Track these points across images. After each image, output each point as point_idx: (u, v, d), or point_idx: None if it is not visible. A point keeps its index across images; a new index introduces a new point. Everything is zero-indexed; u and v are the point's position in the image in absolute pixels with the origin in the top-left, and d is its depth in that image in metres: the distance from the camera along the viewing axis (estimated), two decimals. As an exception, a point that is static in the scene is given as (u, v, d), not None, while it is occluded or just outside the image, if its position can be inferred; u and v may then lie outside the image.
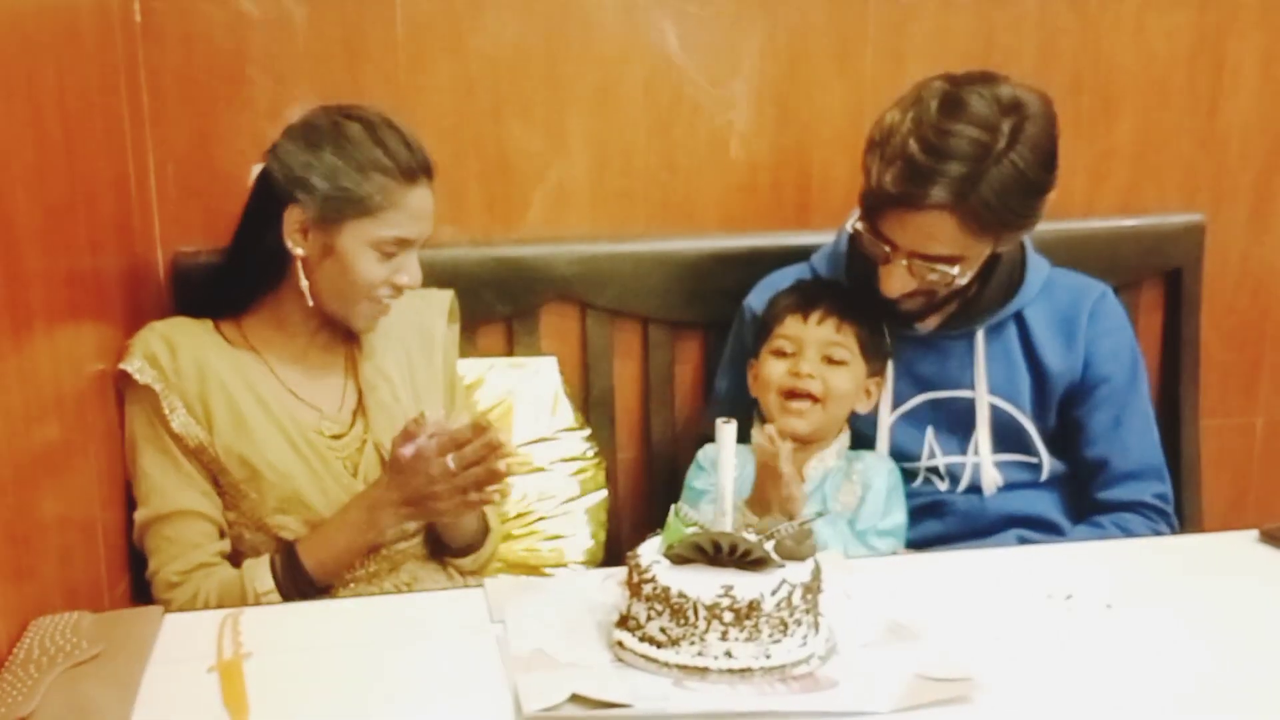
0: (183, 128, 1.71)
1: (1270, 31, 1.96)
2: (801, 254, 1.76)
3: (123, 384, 1.45)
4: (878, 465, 1.63)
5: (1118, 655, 1.12)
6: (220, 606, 1.37)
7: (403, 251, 1.46)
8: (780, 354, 1.60)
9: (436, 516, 1.45)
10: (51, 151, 1.31)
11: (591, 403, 1.87)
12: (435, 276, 1.68)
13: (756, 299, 1.72)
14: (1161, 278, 1.99)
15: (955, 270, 1.49)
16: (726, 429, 1.11)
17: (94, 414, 1.41)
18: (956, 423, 1.63)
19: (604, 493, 1.82)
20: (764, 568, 1.08)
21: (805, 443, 1.59)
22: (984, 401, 1.62)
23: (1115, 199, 1.98)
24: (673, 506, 1.14)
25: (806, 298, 1.61)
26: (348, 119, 1.43)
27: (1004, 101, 1.44)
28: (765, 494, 1.47)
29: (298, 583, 1.40)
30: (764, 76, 1.84)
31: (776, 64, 1.84)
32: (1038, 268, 1.65)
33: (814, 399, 1.57)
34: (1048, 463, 1.65)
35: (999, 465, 1.64)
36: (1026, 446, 1.65)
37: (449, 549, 1.56)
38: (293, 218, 1.43)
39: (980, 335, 1.62)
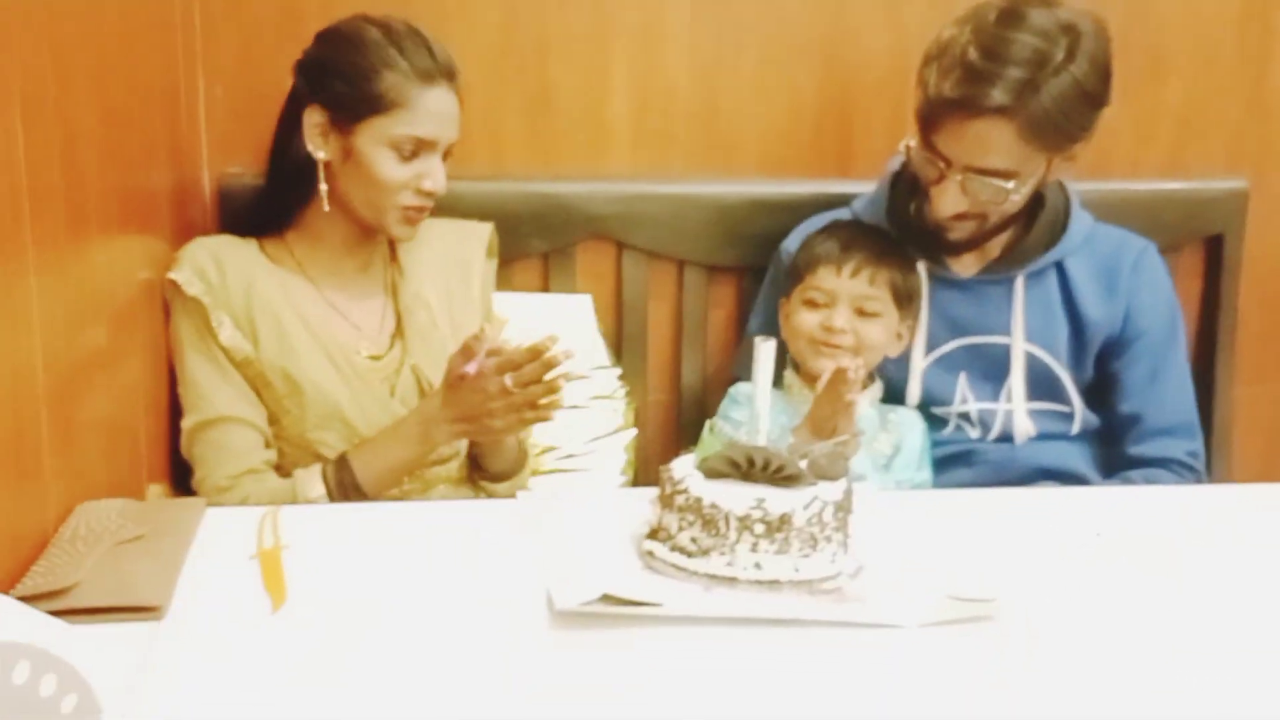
0: (232, 50, 1.73)
1: (1323, -3, 1.94)
2: (840, 201, 1.76)
3: (170, 294, 1.48)
4: (912, 421, 1.63)
5: (1146, 590, 1.12)
6: (270, 512, 1.39)
7: (424, 154, 1.46)
8: (812, 304, 1.60)
9: (490, 434, 1.45)
10: (109, 56, 1.33)
11: (624, 343, 1.88)
12: (473, 210, 1.70)
13: (794, 243, 1.72)
14: (1202, 242, 1.97)
15: (1010, 185, 1.48)
16: (765, 346, 1.12)
17: (140, 322, 1.44)
18: (990, 369, 1.63)
19: (634, 431, 1.83)
20: (796, 483, 1.09)
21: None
22: (1020, 348, 1.63)
23: (1159, 161, 1.96)
24: (707, 422, 1.15)
25: (841, 246, 1.60)
26: (369, 24, 1.46)
27: (1061, 18, 1.46)
28: (824, 419, 1.46)
29: (348, 492, 1.42)
30: (810, 21, 1.84)
31: (823, 9, 1.84)
32: (1081, 219, 1.65)
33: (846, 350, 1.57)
34: (1081, 414, 1.66)
35: (1031, 414, 1.64)
36: (1060, 396, 1.65)
37: (487, 473, 1.58)
38: (312, 119, 1.46)
39: (1020, 282, 1.62)
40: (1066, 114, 1.46)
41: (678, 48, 1.82)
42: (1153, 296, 1.65)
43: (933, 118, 1.50)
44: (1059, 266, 1.63)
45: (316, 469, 1.44)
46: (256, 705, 0.89)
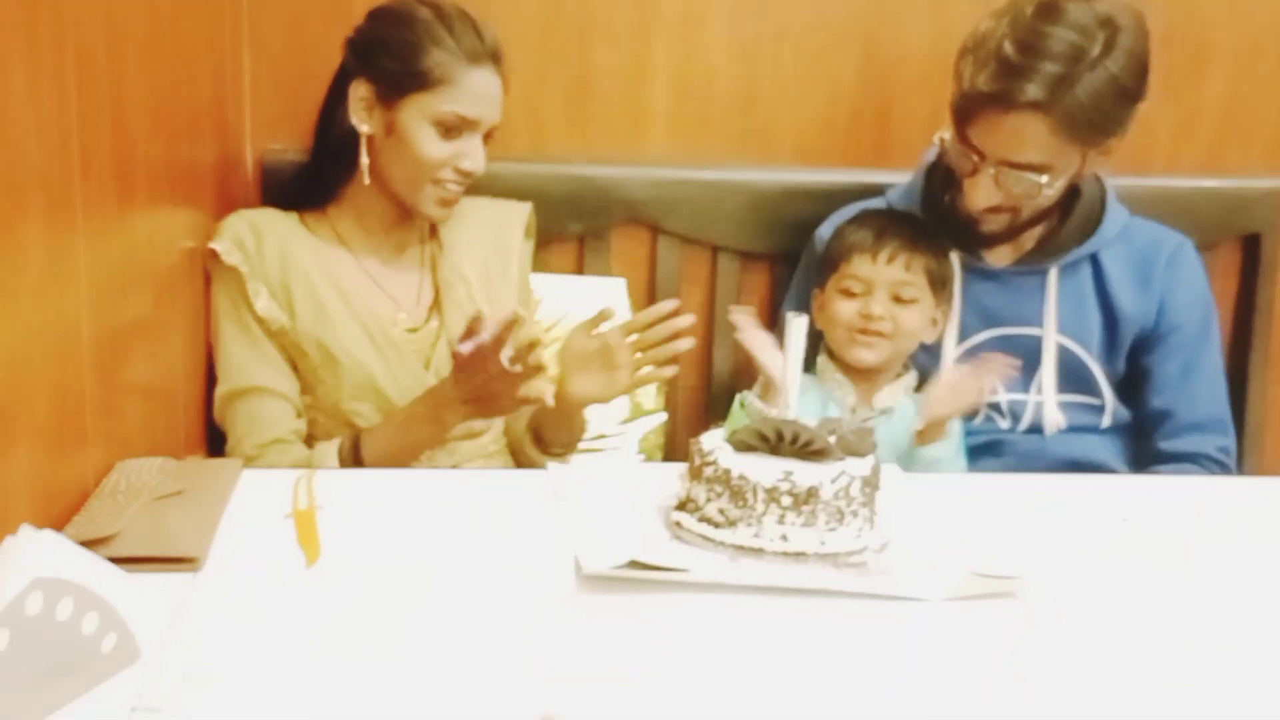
0: (277, 29, 1.76)
1: (1369, -4, 1.92)
2: (876, 191, 1.76)
3: (210, 263, 1.51)
4: None
5: (1167, 578, 1.12)
6: (293, 481, 1.42)
7: (465, 133, 1.48)
8: (849, 293, 1.60)
9: (497, 413, 1.46)
10: (159, 30, 1.36)
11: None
12: (512, 191, 1.72)
13: (828, 231, 1.72)
14: (1239, 241, 1.96)
15: (1043, 180, 1.49)
16: (796, 321, 1.13)
17: (181, 291, 1.47)
18: (1022, 360, 1.63)
19: (663, 415, 1.85)
20: (824, 458, 1.10)
21: (873, 373, 1.61)
22: (1051, 340, 1.62)
23: (1198, 158, 1.95)
24: (737, 396, 1.17)
25: (875, 233, 1.60)
26: (420, 3, 1.49)
27: (1099, 12, 1.46)
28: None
29: (362, 468, 1.43)
30: (851, 11, 1.84)
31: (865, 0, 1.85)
32: (1117, 213, 1.65)
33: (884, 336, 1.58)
34: (1111, 407, 1.65)
35: (1062, 406, 1.64)
36: (1091, 388, 1.64)
37: (548, 446, 1.58)
38: (358, 93, 1.49)
39: (1053, 273, 1.62)
40: (1101, 109, 1.46)
41: (718, 34, 1.84)
42: (1188, 292, 1.64)
43: (967, 111, 1.50)
44: (1093, 259, 1.63)
45: (336, 443, 1.46)
46: (287, 656, 0.91)
